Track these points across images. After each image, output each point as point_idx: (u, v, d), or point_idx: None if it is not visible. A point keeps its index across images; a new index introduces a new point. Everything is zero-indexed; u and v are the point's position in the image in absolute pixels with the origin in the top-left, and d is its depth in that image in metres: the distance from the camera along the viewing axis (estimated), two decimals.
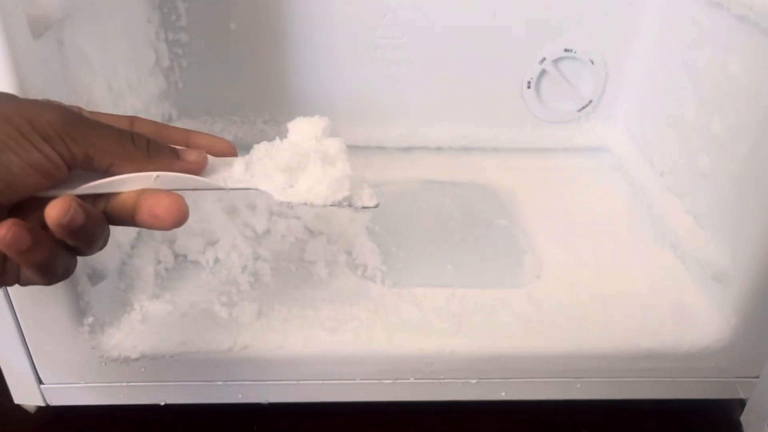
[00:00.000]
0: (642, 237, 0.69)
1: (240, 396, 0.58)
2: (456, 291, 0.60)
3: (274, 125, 0.79)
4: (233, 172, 0.38)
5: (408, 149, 0.81)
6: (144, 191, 0.35)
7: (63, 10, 0.46)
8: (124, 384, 0.56)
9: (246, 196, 0.70)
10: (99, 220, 0.34)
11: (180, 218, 0.35)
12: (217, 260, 0.63)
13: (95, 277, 0.54)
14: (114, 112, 0.59)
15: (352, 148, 0.77)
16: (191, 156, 0.37)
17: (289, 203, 0.39)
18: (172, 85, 0.76)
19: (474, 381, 0.58)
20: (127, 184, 0.35)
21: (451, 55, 0.75)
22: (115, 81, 0.59)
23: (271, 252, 0.65)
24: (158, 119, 0.74)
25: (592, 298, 0.60)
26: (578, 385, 0.59)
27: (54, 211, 0.31)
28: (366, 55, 0.75)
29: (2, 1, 0.38)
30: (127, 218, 0.35)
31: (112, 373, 0.55)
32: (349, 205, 0.40)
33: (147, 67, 0.69)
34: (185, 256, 0.64)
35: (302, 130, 0.41)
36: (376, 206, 0.40)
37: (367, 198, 0.40)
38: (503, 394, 0.59)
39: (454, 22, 0.73)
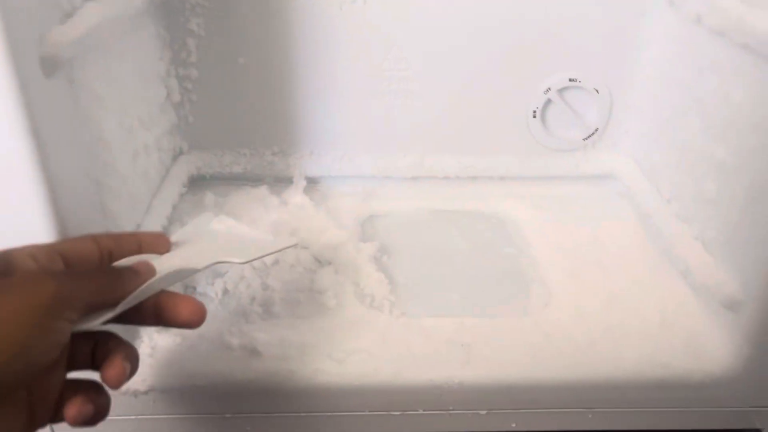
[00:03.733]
0: (651, 265, 0.68)
1: (249, 429, 0.57)
2: (464, 321, 0.60)
3: (282, 157, 0.79)
4: (191, 257, 0.45)
5: (415, 179, 0.81)
6: (161, 296, 0.40)
7: (74, 50, 0.47)
8: (134, 417, 0.56)
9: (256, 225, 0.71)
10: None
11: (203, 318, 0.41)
12: (225, 291, 0.64)
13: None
14: (126, 149, 0.60)
15: (360, 178, 0.79)
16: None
17: (249, 262, 0.48)
18: (182, 119, 0.77)
19: (484, 412, 0.57)
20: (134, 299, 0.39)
21: (457, 87, 0.76)
22: (126, 118, 0.60)
23: (280, 282, 0.65)
24: (169, 153, 0.75)
25: (602, 327, 0.60)
26: (590, 416, 0.58)
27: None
28: (373, 88, 0.75)
29: (16, 41, 0.40)
30: (149, 320, 0.41)
31: (122, 406, 0.55)
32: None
33: (158, 103, 0.70)
34: (194, 288, 0.64)
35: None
36: (296, 244, 0.55)
37: (288, 241, 0.52)
38: (514, 425, 0.58)
39: (458, 54, 0.74)
